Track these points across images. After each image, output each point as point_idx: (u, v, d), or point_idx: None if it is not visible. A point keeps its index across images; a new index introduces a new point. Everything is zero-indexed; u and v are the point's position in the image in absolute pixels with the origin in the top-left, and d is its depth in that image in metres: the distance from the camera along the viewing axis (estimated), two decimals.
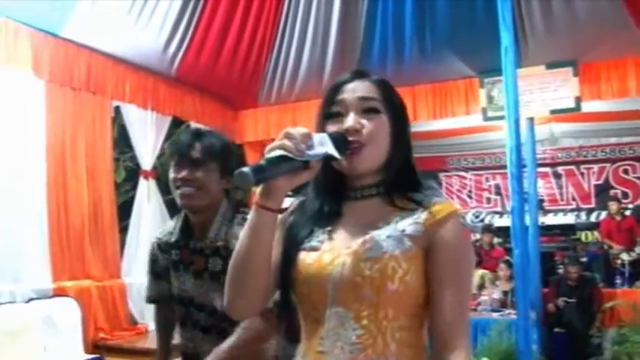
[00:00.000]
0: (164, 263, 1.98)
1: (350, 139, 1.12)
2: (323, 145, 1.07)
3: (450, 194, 10.29)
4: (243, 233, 1.12)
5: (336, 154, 1.09)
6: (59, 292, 4.41)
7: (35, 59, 4.30)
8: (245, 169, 0.99)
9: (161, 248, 2.00)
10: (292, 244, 1.17)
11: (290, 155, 1.03)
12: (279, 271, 1.16)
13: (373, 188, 1.19)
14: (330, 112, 1.19)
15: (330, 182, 1.16)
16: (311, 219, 1.20)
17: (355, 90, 1.18)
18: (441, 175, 10.33)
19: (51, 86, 4.47)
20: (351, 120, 1.14)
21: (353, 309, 1.09)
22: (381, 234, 1.11)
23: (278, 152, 1.03)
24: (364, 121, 1.15)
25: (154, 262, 2.04)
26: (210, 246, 1.85)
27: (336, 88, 1.20)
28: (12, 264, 4.25)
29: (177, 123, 6.17)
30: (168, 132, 5.72)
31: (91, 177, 4.78)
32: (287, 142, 1.03)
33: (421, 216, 1.12)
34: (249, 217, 1.11)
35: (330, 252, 1.13)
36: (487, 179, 9.89)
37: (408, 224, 1.12)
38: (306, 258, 1.14)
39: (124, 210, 5.58)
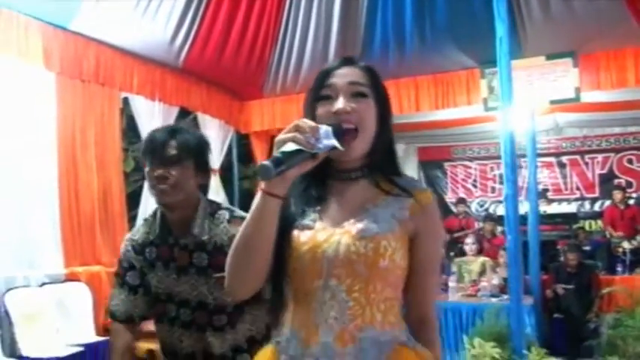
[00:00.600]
0: (138, 266, 1.92)
1: (344, 126, 1.20)
2: (328, 138, 1.15)
3: (455, 184, 10.40)
4: (249, 217, 1.19)
5: (339, 146, 1.16)
6: (71, 277, 4.59)
7: (46, 52, 4.44)
8: (267, 162, 1.09)
9: (135, 249, 1.94)
10: (285, 223, 1.23)
11: (302, 148, 1.11)
12: (274, 251, 1.23)
13: (359, 171, 1.28)
14: (320, 95, 1.26)
15: (318, 164, 1.20)
16: (300, 199, 1.28)
17: (345, 75, 1.26)
18: (446, 165, 10.42)
19: (61, 78, 4.61)
20: (341, 102, 1.22)
21: (346, 283, 1.19)
22: (372, 216, 1.22)
23: (292, 145, 1.11)
24: (353, 105, 1.23)
25: (128, 269, 1.94)
26: (194, 241, 1.85)
27: (327, 73, 1.27)
28: (26, 251, 4.44)
29: (184, 114, 6.31)
30: (176, 122, 5.85)
31: (101, 167, 4.93)
32: (299, 136, 1.11)
33: (408, 202, 1.25)
34: (255, 202, 1.18)
35: (324, 231, 1.22)
36: (492, 169, 9.97)
37: (396, 209, 1.24)
38: (300, 236, 1.23)
39: (133, 199, 5.74)
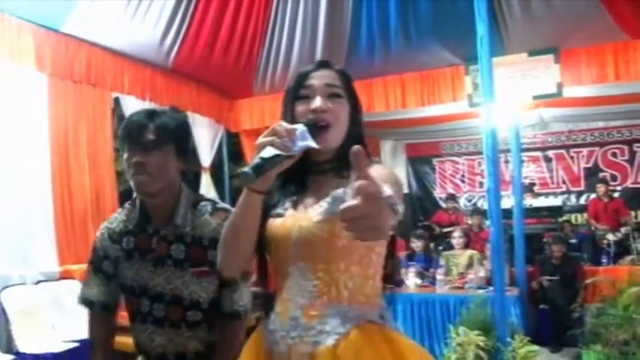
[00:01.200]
0: (114, 255, 1.84)
1: (320, 124, 1.32)
2: (304, 139, 1.25)
3: (444, 179, 10.54)
4: (235, 211, 1.32)
5: (315, 145, 1.27)
6: (65, 275, 4.66)
7: (38, 54, 4.51)
8: (247, 169, 1.18)
9: (112, 238, 1.84)
10: (264, 213, 1.36)
11: (279, 152, 1.20)
12: (259, 239, 1.37)
13: (328, 163, 1.40)
14: (298, 95, 1.38)
15: (296, 160, 1.31)
16: (279, 190, 1.42)
17: (322, 77, 1.39)
18: (435, 161, 10.56)
19: (53, 80, 4.69)
20: (318, 101, 1.35)
21: (310, 263, 1.32)
22: (330, 200, 1.33)
23: (270, 150, 1.20)
24: (329, 104, 1.36)
25: (103, 257, 1.85)
26: (175, 232, 1.77)
27: (305, 75, 1.40)
28: (21, 249, 4.51)
29: None
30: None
31: (93, 166, 5.00)
32: (276, 140, 1.21)
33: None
34: (241, 197, 1.30)
35: (292, 217, 1.35)
36: (479, 164, 10.08)
37: (347, 187, 1.34)
38: (273, 223, 1.37)
39: (125, 198, 5.74)
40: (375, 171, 1.25)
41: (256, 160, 1.20)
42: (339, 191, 1.32)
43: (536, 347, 3.98)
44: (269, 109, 6.74)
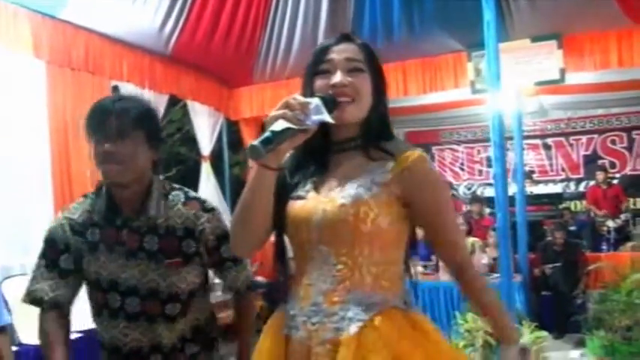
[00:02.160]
0: (75, 248, 1.72)
1: (339, 99, 1.27)
2: (318, 112, 1.21)
3: (443, 167, 10.53)
4: (247, 188, 1.28)
5: (329, 119, 1.22)
6: None
7: (35, 41, 4.43)
8: (256, 143, 1.14)
9: (74, 229, 1.73)
10: (282, 194, 1.33)
11: (291, 126, 1.17)
12: (274, 217, 1.33)
13: (351, 142, 1.35)
14: (318, 70, 1.33)
15: (316, 138, 1.28)
16: (299, 171, 1.37)
17: (342, 51, 1.33)
18: (434, 149, 10.54)
19: (51, 67, 4.60)
20: (338, 76, 1.30)
21: (333, 248, 1.28)
22: (355, 183, 1.29)
23: (281, 123, 1.16)
24: (350, 79, 1.30)
25: (62, 251, 1.73)
26: (148, 223, 1.69)
27: (325, 49, 1.35)
28: (21, 239, 4.44)
29: (174, 101, 6.31)
30: (166, 110, 5.86)
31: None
32: (288, 113, 1.18)
33: (389, 165, 1.30)
34: (252, 174, 1.26)
35: (313, 200, 1.31)
36: (479, 152, 10.10)
37: (377, 173, 1.30)
38: (293, 205, 1.33)
39: None
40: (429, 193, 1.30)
41: (266, 134, 1.17)
42: (367, 176, 1.29)
43: (545, 333, 3.98)
44: (269, 98, 6.68)
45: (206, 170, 6.83)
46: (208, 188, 6.68)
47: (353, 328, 1.24)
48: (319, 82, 1.31)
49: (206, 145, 6.80)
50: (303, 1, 5.48)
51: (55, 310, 1.72)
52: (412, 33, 5.65)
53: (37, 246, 4.69)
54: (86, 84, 4.91)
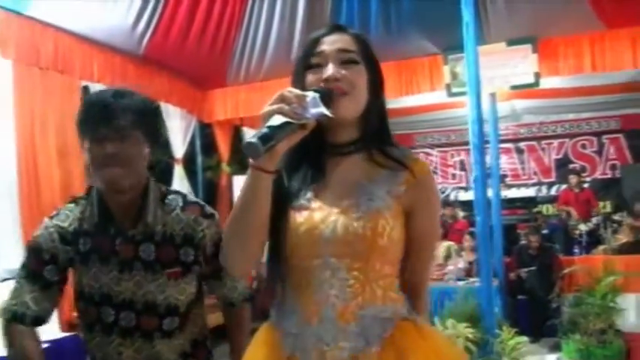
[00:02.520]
0: (64, 259, 1.59)
1: (334, 91, 1.18)
2: (316, 106, 1.12)
3: None
4: (241, 194, 1.16)
5: (328, 112, 1.13)
6: None
7: (1, 39, 4.27)
8: (253, 139, 1.04)
9: (64, 239, 1.59)
10: (281, 202, 1.21)
11: (289, 120, 1.08)
12: (271, 226, 1.21)
13: (352, 145, 1.26)
14: (309, 63, 1.24)
15: (310, 139, 1.18)
16: (295, 176, 1.26)
17: (334, 42, 1.23)
18: None
19: (18, 66, 4.44)
20: (330, 69, 1.20)
21: (345, 262, 1.18)
22: (368, 193, 1.20)
23: (279, 119, 1.07)
24: (343, 71, 1.20)
25: (47, 262, 1.58)
26: (144, 231, 1.57)
27: (316, 40, 1.25)
28: None
29: None
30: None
31: (61, 156, 4.77)
32: (285, 107, 1.08)
33: (402, 175, 1.23)
34: (246, 179, 1.15)
35: (320, 210, 1.20)
36: (452, 155, 10.15)
37: (391, 184, 1.22)
38: (296, 216, 1.21)
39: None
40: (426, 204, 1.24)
41: (264, 130, 1.06)
42: (380, 187, 1.21)
43: (525, 338, 3.96)
44: (243, 100, 6.59)
45: (178, 173, 6.69)
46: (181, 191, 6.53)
47: (374, 347, 1.17)
48: (310, 77, 1.22)
49: (179, 148, 6.65)
50: (280, 1, 5.40)
51: (33, 327, 1.58)
52: (389, 35, 5.61)
53: (2, 253, 4.53)
54: (55, 84, 4.74)
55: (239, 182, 7.68)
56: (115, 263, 1.57)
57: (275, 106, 1.09)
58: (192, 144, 7.13)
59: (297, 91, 1.12)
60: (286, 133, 1.09)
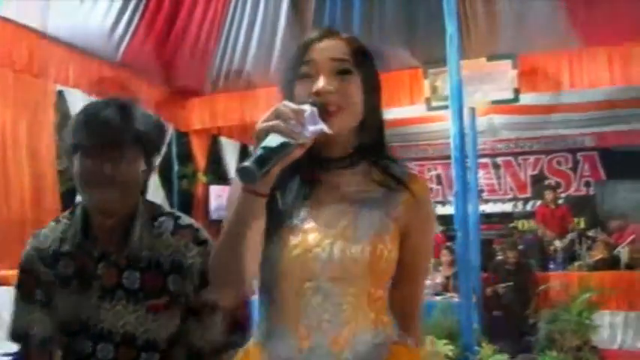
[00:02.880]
0: (46, 281, 1.48)
1: (328, 108, 1.09)
2: (315, 122, 1.03)
3: None
4: (232, 217, 1.06)
5: (327, 129, 1.05)
6: (1, 282, 4.29)
7: None
8: (249, 164, 0.94)
9: (45, 261, 1.48)
10: (271, 220, 1.11)
11: (287, 141, 0.98)
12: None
13: (348, 159, 1.17)
14: (298, 73, 1.13)
15: (303, 152, 1.07)
16: (287, 193, 1.16)
17: (326, 50, 1.13)
18: None
19: None
20: (321, 82, 1.10)
21: (339, 286, 1.11)
22: (367, 216, 1.12)
23: (275, 138, 0.98)
24: (336, 83, 1.11)
25: (34, 285, 1.48)
26: (129, 256, 1.44)
27: (305, 47, 1.14)
28: None
29: None
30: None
31: (33, 163, 4.65)
32: (282, 125, 0.98)
33: (401, 196, 1.16)
34: (237, 204, 1.05)
35: (315, 232, 1.11)
36: (429, 169, 10.15)
37: (390, 205, 1.15)
38: (289, 237, 1.12)
39: (68, 198, 5.44)
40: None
41: (259, 152, 0.96)
42: (379, 208, 1.13)
43: (505, 356, 3.93)
44: (222, 109, 6.49)
45: (154, 182, 6.56)
46: (156, 201, 6.40)
47: None
48: (300, 89, 1.11)
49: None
50: (262, 8, 5.36)
51: (41, 349, 1.48)
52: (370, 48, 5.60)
53: None
54: (29, 88, 4.62)
55: (215, 192, 7.57)
56: (97, 289, 1.45)
57: (271, 123, 0.99)
58: (168, 152, 7.00)
59: (294, 106, 1.02)
60: (283, 154, 0.99)
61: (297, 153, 1.03)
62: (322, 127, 1.04)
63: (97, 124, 1.36)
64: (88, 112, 1.42)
